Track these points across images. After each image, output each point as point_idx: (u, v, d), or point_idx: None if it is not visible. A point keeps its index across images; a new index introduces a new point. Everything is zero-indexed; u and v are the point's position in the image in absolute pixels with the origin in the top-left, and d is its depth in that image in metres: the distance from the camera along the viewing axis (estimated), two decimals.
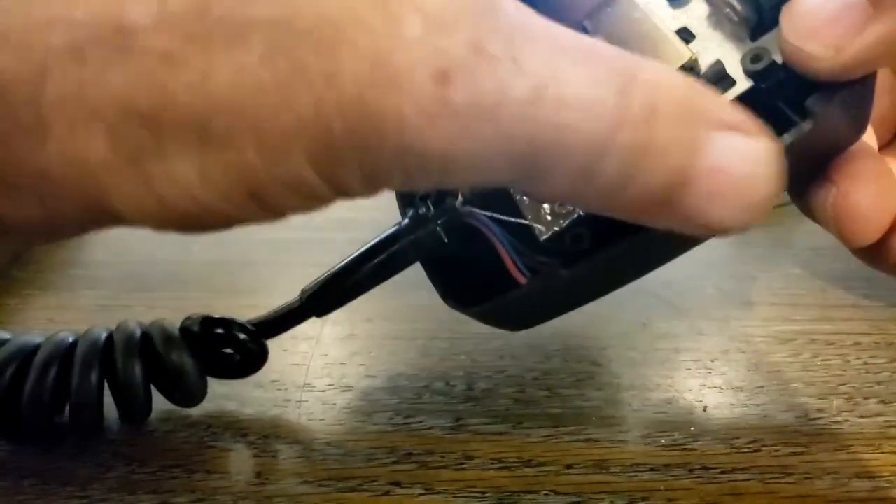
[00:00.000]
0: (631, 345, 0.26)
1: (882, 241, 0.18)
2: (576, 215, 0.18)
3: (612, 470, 0.21)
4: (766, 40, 0.16)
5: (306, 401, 0.23)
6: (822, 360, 0.25)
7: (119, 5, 0.11)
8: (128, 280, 0.29)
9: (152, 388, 0.22)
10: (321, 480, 0.20)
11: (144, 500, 0.20)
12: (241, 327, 0.22)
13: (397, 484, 0.20)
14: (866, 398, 0.23)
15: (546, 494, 0.20)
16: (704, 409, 0.23)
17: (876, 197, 0.18)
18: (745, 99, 0.16)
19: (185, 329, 0.22)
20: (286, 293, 0.29)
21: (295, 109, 0.11)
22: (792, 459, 0.21)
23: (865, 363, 0.25)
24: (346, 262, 0.21)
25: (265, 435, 0.22)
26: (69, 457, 0.21)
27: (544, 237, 0.18)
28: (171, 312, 0.26)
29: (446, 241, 0.19)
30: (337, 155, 0.11)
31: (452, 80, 0.11)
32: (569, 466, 0.21)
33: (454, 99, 0.11)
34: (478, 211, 0.19)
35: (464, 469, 0.21)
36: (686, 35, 0.17)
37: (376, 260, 0.20)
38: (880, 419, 0.23)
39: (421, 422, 0.22)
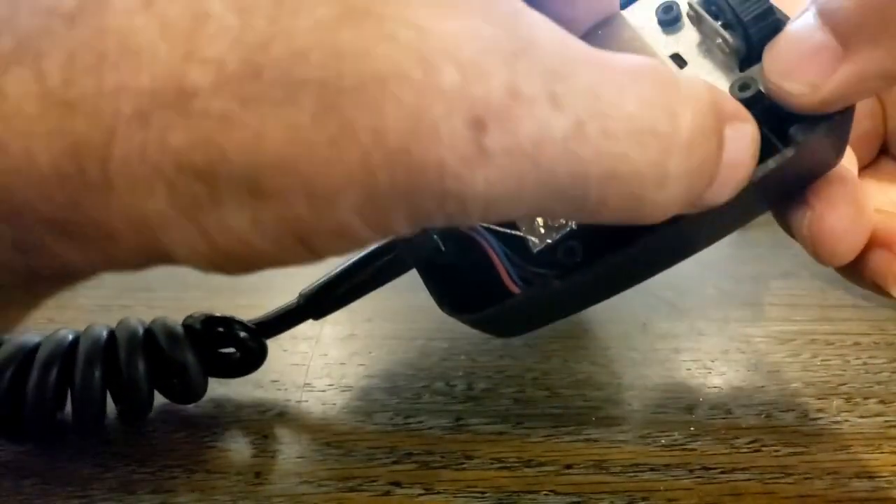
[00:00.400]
0: (631, 345, 0.26)
1: (859, 260, 0.19)
2: (568, 229, 0.18)
3: (611, 470, 0.21)
4: (754, 70, 0.17)
5: (306, 401, 0.23)
6: (822, 361, 0.25)
7: (181, 71, 0.11)
8: (128, 280, 0.29)
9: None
10: (321, 480, 0.20)
11: (144, 500, 0.20)
12: (242, 326, 0.23)
13: (397, 484, 0.20)
14: (866, 398, 0.23)
15: (546, 494, 0.20)
16: (704, 409, 0.23)
17: (849, 220, 0.18)
18: None
19: (187, 327, 0.22)
20: (286, 293, 0.29)
21: (343, 164, 0.11)
22: (792, 459, 0.21)
23: (865, 363, 0.25)
24: (344, 266, 0.21)
25: (265, 435, 0.22)
26: (69, 457, 0.21)
27: (537, 249, 0.18)
28: (171, 312, 0.26)
29: (443, 249, 0.19)
30: (382, 204, 0.12)
31: (488, 126, 0.11)
32: (568, 466, 0.21)
33: (489, 145, 0.11)
34: None
35: (464, 469, 0.21)
36: (678, 61, 0.18)
37: (374, 266, 0.21)
38: (880, 419, 0.23)
39: (421, 422, 0.22)
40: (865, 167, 0.22)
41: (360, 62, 0.11)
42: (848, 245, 0.19)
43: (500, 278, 0.18)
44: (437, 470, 0.21)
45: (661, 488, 0.20)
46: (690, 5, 0.18)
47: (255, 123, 0.11)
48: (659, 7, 0.18)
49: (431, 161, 0.11)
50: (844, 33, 0.16)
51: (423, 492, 0.20)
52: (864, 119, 0.21)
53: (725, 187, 0.14)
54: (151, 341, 0.22)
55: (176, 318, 0.23)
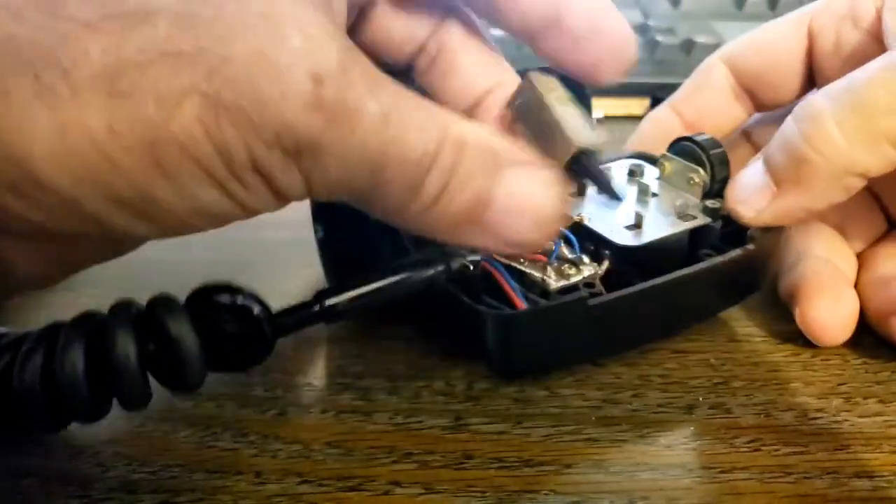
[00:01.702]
0: None
1: (885, 324, 0.25)
2: (580, 277, 0.23)
3: (611, 469, 0.21)
4: (716, 200, 0.25)
5: (306, 400, 0.23)
6: (822, 360, 0.25)
7: None
8: (128, 280, 0.29)
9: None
10: (321, 480, 0.20)
11: (144, 499, 0.20)
12: (257, 300, 0.20)
13: (397, 483, 0.20)
14: (866, 398, 0.23)
15: (546, 494, 0.20)
16: (704, 408, 0.23)
17: (829, 311, 0.25)
18: (699, 231, 0.25)
19: (189, 299, 0.20)
20: (286, 293, 0.29)
21: (189, 75, 0.14)
22: (791, 459, 0.21)
23: (865, 363, 0.25)
24: (373, 286, 0.20)
25: (265, 435, 0.22)
26: (69, 456, 0.21)
27: (555, 287, 0.22)
28: None
29: (471, 268, 0.22)
30: (222, 119, 0.14)
31: (325, 83, 0.14)
32: (568, 466, 0.21)
33: (325, 97, 0.14)
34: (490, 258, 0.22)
35: (463, 469, 0.21)
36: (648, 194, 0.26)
37: (405, 282, 0.21)
38: (880, 419, 0.23)
39: (421, 421, 0.22)
40: (879, 240, 0.28)
41: (215, 10, 0.14)
42: (835, 333, 0.25)
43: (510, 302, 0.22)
44: (437, 469, 0.21)
45: (661, 488, 0.20)
46: (666, 153, 0.26)
47: (114, 34, 0.14)
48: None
49: (274, 95, 0.14)
50: (777, 179, 0.23)
51: (422, 491, 0.20)
52: (860, 207, 0.27)
53: (521, 216, 0.17)
54: (147, 317, 0.19)
55: None
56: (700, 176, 0.25)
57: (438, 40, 0.21)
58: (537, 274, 0.22)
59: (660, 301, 0.23)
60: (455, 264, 0.21)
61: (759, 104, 0.30)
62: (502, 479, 0.20)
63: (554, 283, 0.22)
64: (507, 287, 0.22)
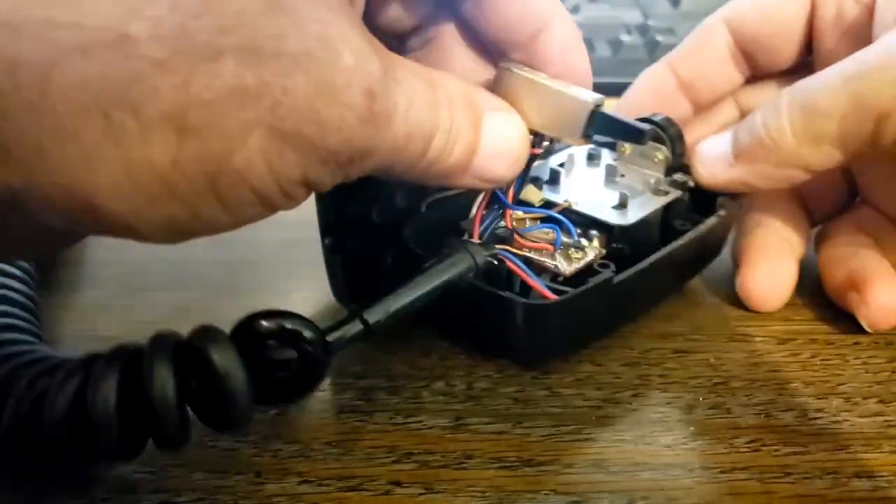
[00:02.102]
0: (630, 344, 0.26)
1: (841, 299, 0.26)
2: (588, 258, 0.24)
3: (611, 469, 0.21)
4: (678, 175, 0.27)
5: (306, 400, 0.23)
6: (822, 360, 0.25)
7: (124, 21, 0.13)
8: (129, 279, 0.29)
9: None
10: (321, 480, 0.20)
11: (145, 499, 0.20)
12: (307, 323, 0.18)
13: (397, 483, 0.20)
14: (865, 398, 0.23)
15: (546, 494, 0.20)
16: (704, 408, 0.23)
17: (766, 279, 0.27)
18: (671, 204, 0.26)
19: (235, 331, 0.18)
20: (286, 293, 0.29)
21: (254, 110, 0.14)
22: (791, 459, 0.21)
23: (865, 363, 0.25)
24: (411, 296, 0.20)
25: (265, 434, 0.22)
26: None
27: (568, 272, 0.23)
28: (171, 312, 0.26)
29: (496, 263, 0.22)
30: (286, 149, 0.15)
31: (376, 96, 0.16)
32: (568, 466, 0.21)
33: (375, 109, 0.16)
34: (504, 249, 0.23)
35: (464, 468, 0.21)
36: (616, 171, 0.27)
37: (434, 292, 0.21)
38: (879, 419, 0.23)
39: (421, 421, 0.22)
40: (844, 213, 0.29)
41: (276, 39, 0.15)
42: (771, 302, 0.27)
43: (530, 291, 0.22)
44: (437, 469, 0.21)
45: (661, 488, 0.20)
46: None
47: (183, 71, 0.14)
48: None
49: (333, 117, 0.15)
50: (735, 153, 0.25)
51: (423, 491, 0.20)
52: (823, 177, 0.27)
53: (501, 157, 0.20)
54: (187, 351, 0.18)
55: (176, 317, 0.23)
56: (664, 153, 0.27)
57: (436, 30, 0.22)
58: (550, 262, 0.23)
59: (664, 270, 0.25)
60: (481, 261, 0.21)
61: (756, 68, 0.30)
62: (502, 479, 0.20)
63: (567, 267, 0.23)
64: (529, 280, 0.22)
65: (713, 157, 0.26)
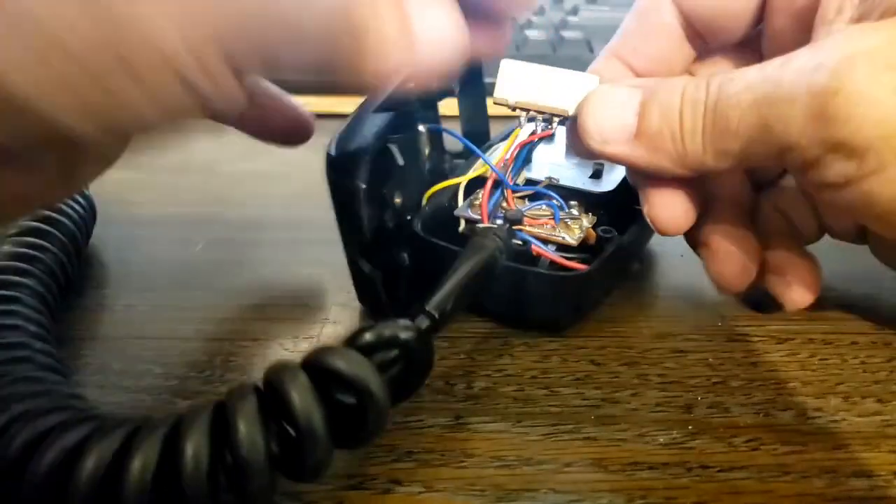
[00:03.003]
0: (629, 344, 0.26)
1: (763, 280, 0.26)
2: (584, 227, 0.26)
3: (610, 468, 0.21)
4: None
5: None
6: (820, 360, 0.25)
7: None
8: (129, 279, 0.29)
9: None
10: (322, 478, 0.20)
11: None
12: (405, 328, 0.19)
13: (397, 482, 0.20)
14: (864, 397, 0.23)
15: (545, 493, 0.20)
16: (703, 407, 0.23)
17: (732, 264, 0.25)
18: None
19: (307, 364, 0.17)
20: (286, 293, 0.29)
21: None
22: (790, 458, 0.21)
23: (863, 362, 0.25)
24: (459, 282, 0.21)
25: None
26: None
27: (575, 242, 0.25)
28: (171, 312, 0.26)
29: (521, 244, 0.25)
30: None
31: None
32: (567, 465, 0.21)
33: None
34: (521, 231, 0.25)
35: (463, 467, 0.21)
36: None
37: (480, 267, 0.22)
38: (878, 418, 0.23)
39: (421, 420, 0.22)
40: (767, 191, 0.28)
41: None
42: (737, 283, 0.26)
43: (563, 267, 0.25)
44: (437, 468, 0.21)
45: (660, 487, 0.20)
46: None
47: None
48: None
49: None
50: (640, 132, 0.22)
51: (423, 490, 0.20)
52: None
53: (442, 48, 0.18)
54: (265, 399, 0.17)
55: (178, 317, 0.23)
56: None
57: None
58: (557, 235, 0.25)
59: (647, 232, 0.28)
60: (509, 243, 0.23)
61: (705, 44, 0.27)
62: (502, 478, 0.20)
63: (573, 238, 0.25)
64: (554, 256, 0.25)
65: (612, 125, 0.23)
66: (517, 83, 0.24)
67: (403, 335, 0.18)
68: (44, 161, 0.15)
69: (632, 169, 0.24)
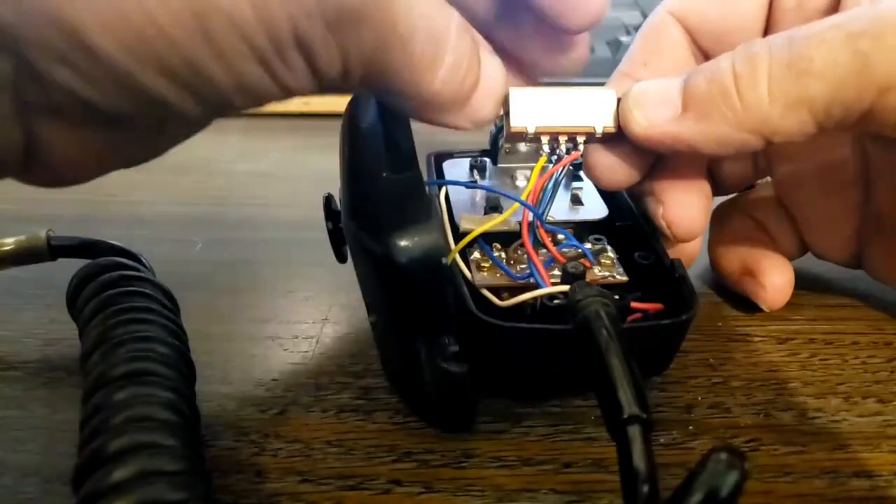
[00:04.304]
0: None
1: (737, 283, 0.27)
2: (611, 253, 0.25)
3: (610, 469, 0.21)
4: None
5: (307, 399, 0.23)
6: (821, 360, 0.25)
7: None
8: None
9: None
10: (321, 479, 0.20)
11: None
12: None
13: (397, 482, 0.20)
14: (864, 397, 0.23)
15: (545, 493, 0.20)
16: (703, 408, 0.23)
17: (693, 211, 0.24)
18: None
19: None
20: (286, 293, 0.29)
21: None
22: (790, 458, 0.21)
23: (864, 362, 0.25)
24: (628, 366, 0.17)
25: (266, 434, 0.22)
26: (70, 455, 0.21)
27: (622, 274, 0.24)
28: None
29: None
30: None
31: None
32: (567, 465, 0.21)
33: None
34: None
35: (463, 468, 0.21)
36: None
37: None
38: (878, 418, 0.23)
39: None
40: (737, 195, 0.29)
41: None
42: (694, 233, 0.24)
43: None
44: (437, 468, 0.21)
45: (660, 487, 0.20)
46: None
47: None
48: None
49: None
50: (687, 101, 0.21)
51: (422, 490, 0.20)
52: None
53: (491, 98, 0.19)
54: None
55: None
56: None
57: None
58: (605, 275, 0.24)
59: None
60: (609, 302, 0.19)
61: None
62: (501, 478, 0.20)
63: (621, 274, 0.24)
64: (647, 306, 0.22)
65: (655, 100, 0.21)
66: (532, 109, 0.21)
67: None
68: (132, 119, 0.16)
69: (684, 151, 0.21)
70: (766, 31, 0.25)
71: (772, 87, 0.19)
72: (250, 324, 0.27)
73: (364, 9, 0.15)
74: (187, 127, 0.18)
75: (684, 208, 0.24)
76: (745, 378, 0.24)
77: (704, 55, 0.25)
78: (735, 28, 0.25)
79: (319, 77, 0.16)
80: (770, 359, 0.25)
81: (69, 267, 0.24)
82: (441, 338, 0.19)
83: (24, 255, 0.25)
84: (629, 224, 0.25)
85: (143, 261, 0.25)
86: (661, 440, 0.22)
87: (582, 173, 0.27)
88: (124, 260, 0.24)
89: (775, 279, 0.26)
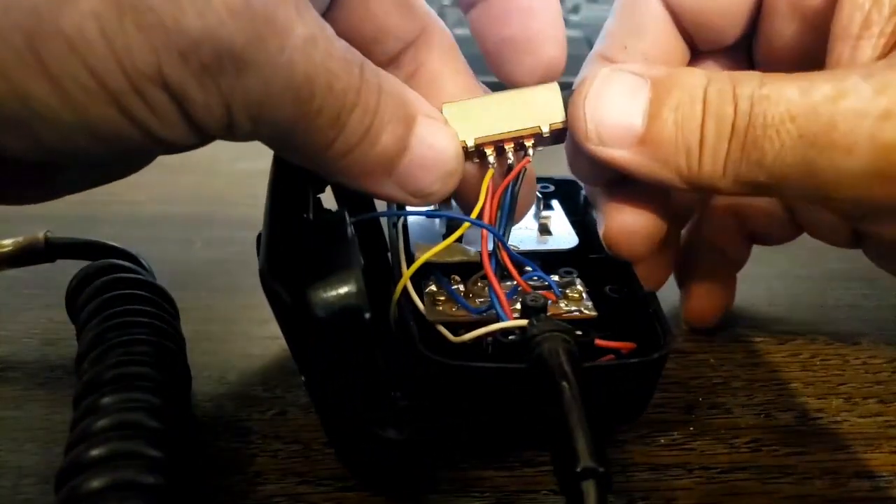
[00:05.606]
0: None
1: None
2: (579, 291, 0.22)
3: (611, 469, 0.21)
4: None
5: (306, 400, 0.23)
6: (822, 360, 0.25)
7: None
8: None
9: None
10: (320, 480, 0.20)
11: None
12: None
13: None
14: (865, 398, 0.23)
15: (545, 494, 0.20)
16: (704, 408, 0.23)
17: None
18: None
19: None
20: None
21: None
22: (791, 459, 0.21)
23: (864, 363, 0.25)
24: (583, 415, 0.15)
25: (265, 434, 0.22)
26: None
27: (592, 309, 0.22)
28: None
29: None
30: (127, 20, 0.12)
31: None
32: None
33: (257, 8, 0.13)
34: None
35: (463, 468, 0.21)
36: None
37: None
38: (879, 419, 0.23)
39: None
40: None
41: None
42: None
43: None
44: (438, 468, 0.21)
45: (661, 488, 0.20)
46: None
47: None
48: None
49: None
50: (648, 139, 0.19)
51: (422, 490, 0.20)
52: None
53: (430, 168, 0.17)
54: None
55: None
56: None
57: (417, 57, 0.20)
58: (570, 310, 0.21)
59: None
60: (570, 339, 0.17)
61: (695, 47, 0.24)
62: (502, 479, 0.20)
63: (590, 309, 0.21)
64: (616, 344, 0.20)
65: (613, 121, 0.19)
66: (469, 121, 0.19)
67: None
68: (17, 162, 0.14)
69: (629, 174, 0.20)
70: (754, 17, 0.23)
71: (728, 163, 0.18)
72: (249, 324, 0.27)
73: (247, 52, 0.13)
74: (95, 171, 0.16)
75: (624, 227, 0.22)
76: (745, 378, 0.24)
77: (687, 36, 0.23)
78: (719, 7, 0.22)
79: (197, 127, 0.14)
80: (771, 359, 0.25)
81: (68, 267, 0.24)
82: (378, 399, 0.17)
83: (23, 256, 0.25)
84: (603, 256, 0.23)
85: (142, 261, 0.25)
86: (662, 440, 0.22)
87: (554, 202, 0.26)
88: (123, 262, 0.24)
89: (701, 305, 0.26)
